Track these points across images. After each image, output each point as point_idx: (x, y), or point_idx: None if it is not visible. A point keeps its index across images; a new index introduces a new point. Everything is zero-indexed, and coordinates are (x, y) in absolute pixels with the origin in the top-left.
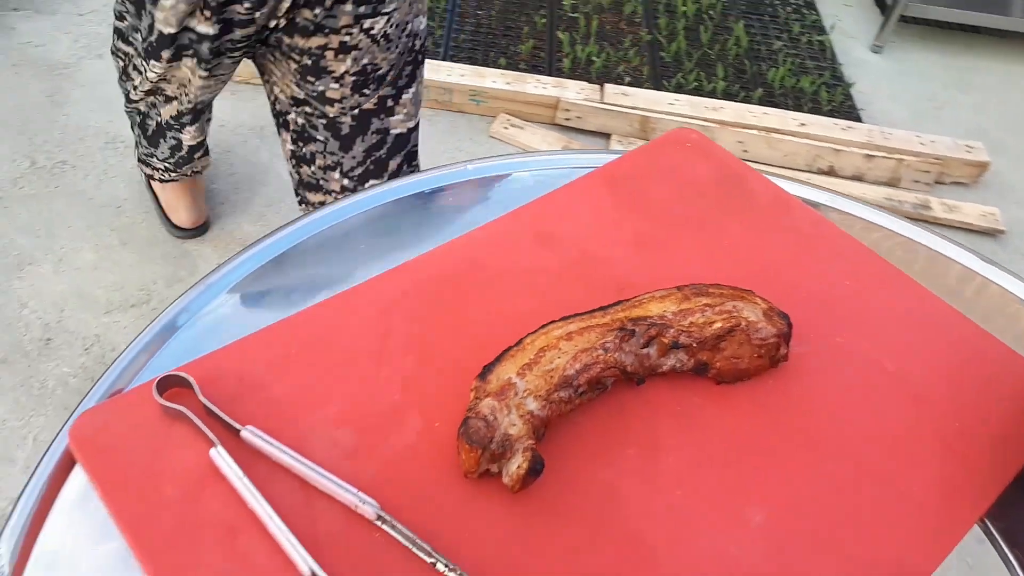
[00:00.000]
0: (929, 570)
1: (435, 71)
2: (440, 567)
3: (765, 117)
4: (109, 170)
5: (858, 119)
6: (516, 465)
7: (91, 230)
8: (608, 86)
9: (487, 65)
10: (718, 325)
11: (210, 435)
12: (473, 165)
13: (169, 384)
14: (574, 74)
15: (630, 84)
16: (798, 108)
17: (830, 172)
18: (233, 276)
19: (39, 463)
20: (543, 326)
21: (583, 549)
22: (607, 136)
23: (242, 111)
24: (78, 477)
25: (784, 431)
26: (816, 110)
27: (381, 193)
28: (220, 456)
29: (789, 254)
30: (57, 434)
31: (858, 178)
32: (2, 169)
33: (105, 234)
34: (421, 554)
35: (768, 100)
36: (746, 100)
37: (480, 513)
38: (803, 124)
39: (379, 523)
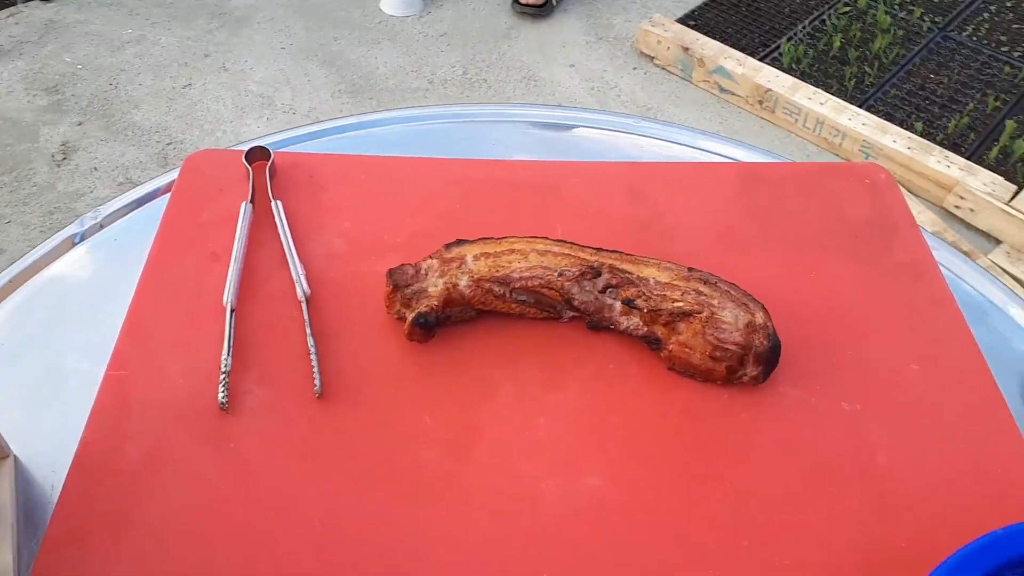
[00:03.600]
0: None
1: (839, 112)
2: (312, 357)
3: None
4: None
5: None
6: (412, 313)
7: None
8: None
9: (901, 126)
10: (679, 304)
11: (250, 192)
12: (643, 123)
13: (257, 155)
14: (996, 167)
15: None
16: None
17: None
18: (386, 124)
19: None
20: (535, 237)
21: (434, 409)
22: (996, 241)
23: None
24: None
25: (693, 443)
26: None
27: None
28: (244, 207)
29: (879, 312)
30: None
31: None
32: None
33: None
34: (309, 341)
35: None
36: None
37: (379, 344)
38: None
39: (303, 304)
